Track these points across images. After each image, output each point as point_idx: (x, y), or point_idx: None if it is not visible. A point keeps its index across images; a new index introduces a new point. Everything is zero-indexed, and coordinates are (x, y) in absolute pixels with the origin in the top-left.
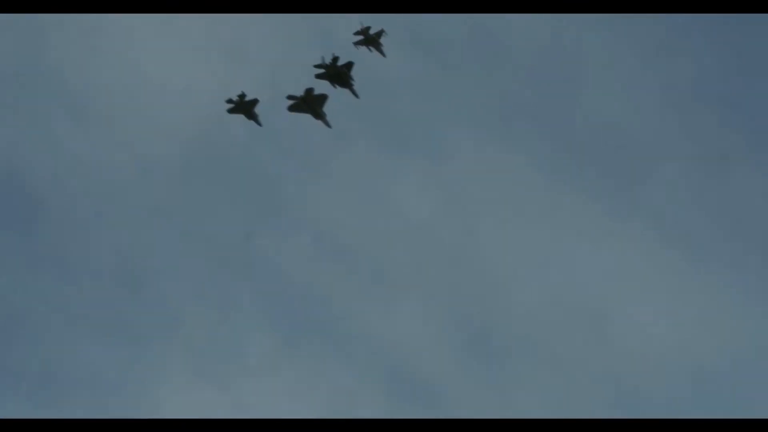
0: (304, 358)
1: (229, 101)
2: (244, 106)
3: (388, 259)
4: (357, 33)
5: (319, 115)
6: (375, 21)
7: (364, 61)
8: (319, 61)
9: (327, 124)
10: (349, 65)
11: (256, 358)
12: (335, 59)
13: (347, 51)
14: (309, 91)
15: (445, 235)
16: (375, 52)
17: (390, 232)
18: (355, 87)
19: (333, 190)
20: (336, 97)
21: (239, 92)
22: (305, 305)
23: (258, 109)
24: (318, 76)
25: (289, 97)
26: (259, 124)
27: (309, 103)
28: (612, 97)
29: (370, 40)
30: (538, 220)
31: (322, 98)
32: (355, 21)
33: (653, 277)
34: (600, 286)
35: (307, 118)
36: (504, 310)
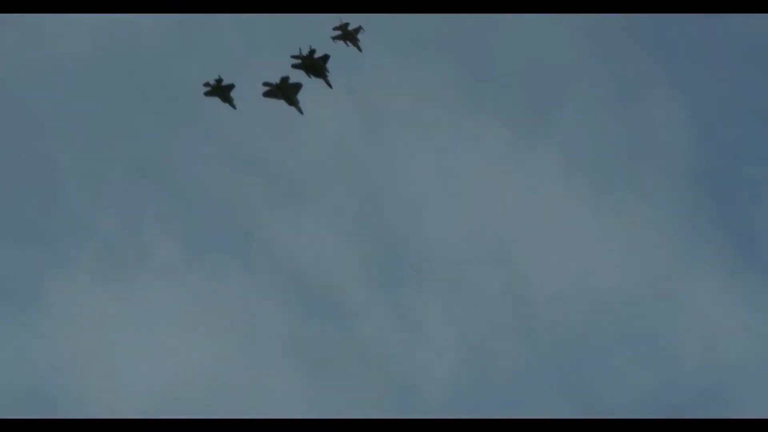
0: (210, 267)
1: (206, 84)
2: (220, 90)
3: (301, 174)
4: (336, 28)
5: (292, 102)
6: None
7: (340, 54)
8: (296, 53)
9: (300, 110)
10: (325, 58)
11: (162, 264)
12: (312, 51)
13: (326, 45)
14: (284, 79)
15: (358, 154)
16: (352, 47)
17: (303, 147)
18: (329, 78)
19: (246, 102)
20: (310, 86)
21: (216, 76)
22: (213, 215)
23: (234, 94)
24: (294, 66)
25: (265, 84)
26: (233, 107)
27: (284, 91)
28: (527, 21)
29: (347, 35)
30: (451, 142)
31: (297, 87)
32: (334, 17)
33: (563, 202)
34: (510, 209)
35: (280, 104)
36: (414, 231)
